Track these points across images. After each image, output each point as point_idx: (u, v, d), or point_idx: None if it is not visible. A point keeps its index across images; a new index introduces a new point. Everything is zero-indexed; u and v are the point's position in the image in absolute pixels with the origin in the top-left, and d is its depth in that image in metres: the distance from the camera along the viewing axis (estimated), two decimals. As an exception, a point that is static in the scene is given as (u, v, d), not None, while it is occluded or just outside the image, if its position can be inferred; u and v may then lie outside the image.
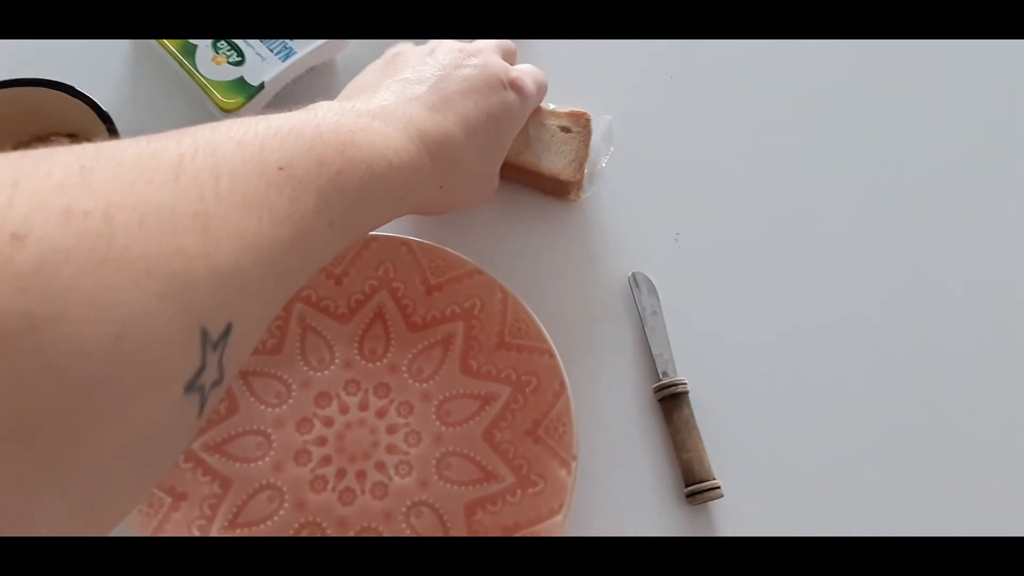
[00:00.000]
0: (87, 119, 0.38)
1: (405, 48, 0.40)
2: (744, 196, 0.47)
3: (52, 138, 0.41)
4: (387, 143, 0.31)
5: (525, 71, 0.41)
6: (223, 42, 0.45)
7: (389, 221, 0.33)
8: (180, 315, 0.20)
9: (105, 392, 0.18)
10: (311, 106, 0.31)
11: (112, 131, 0.36)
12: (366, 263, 0.44)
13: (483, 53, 0.39)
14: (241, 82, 0.44)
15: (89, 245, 0.19)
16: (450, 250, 0.43)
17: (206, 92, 0.44)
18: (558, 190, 0.45)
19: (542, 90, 0.42)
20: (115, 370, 0.19)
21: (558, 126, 0.46)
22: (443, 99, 0.36)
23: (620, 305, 0.45)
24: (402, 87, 0.36)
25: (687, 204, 0.47)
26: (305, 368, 0.42)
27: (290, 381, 0.42)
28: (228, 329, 0.22)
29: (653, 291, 0.45)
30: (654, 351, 0.43)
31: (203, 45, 0.45)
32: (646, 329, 0.44)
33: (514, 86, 0.39)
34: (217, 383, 0.22)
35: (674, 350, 0.43)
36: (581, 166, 0.45)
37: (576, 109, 0.46)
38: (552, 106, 0.46)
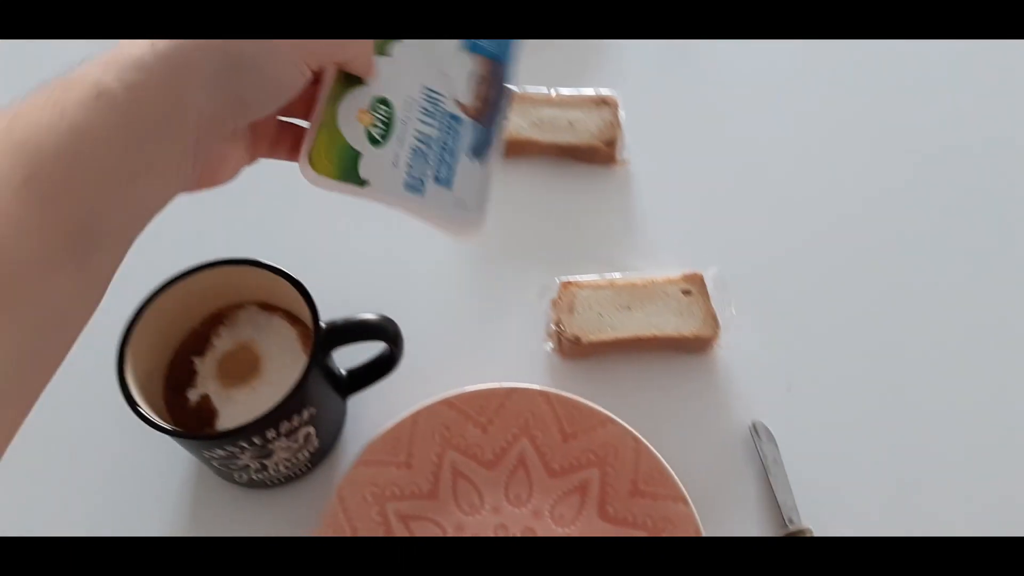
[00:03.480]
0: (282, 291, 0.44)
1: None
2: (847, 346, 0.52)
3: (244, 305, 0.47)
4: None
5: None
6: (385, 106, 0.35)
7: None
8: None
9: None
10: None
11: (311, 305, 0.42)
12: (508, 413, 0.48)
13: None
14: (352, 159, 0.34)
15: None
16: (583, 401, 0.48)
17: (314, 131, 0.34)
18: (699, 347, 0.50)
19: None
20: None
21: (680, 290, 0.51)
22: None
23: (742, 452, 0.48)
24: None
25: (795, 356, 0.51)
26: (458, 512, 0.46)
27: (445, 525, 0.46)
28: None
29: (772, 439, 0.48)
30: (779, 498, 0.46)
31: (361, 92, 0.35)
32: (769, 477, 0.47)
33: None
34: None
35: (796, 496, 0.46)
36: (715, 319, 0.49)
37: (688, 272, 0.52)
38: (664, 275, 0.52)
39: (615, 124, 0.58)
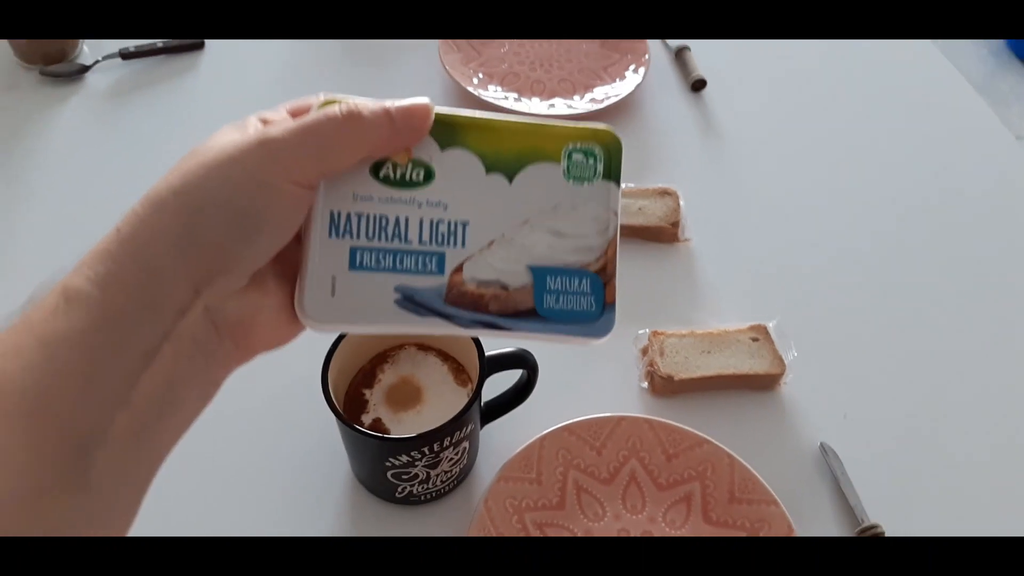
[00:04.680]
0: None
1: None
2: (890, 379, 0.62)
3: (404, 346, 0.56)
4: None
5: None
6: (423, 167, 0.31)
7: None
8: None
9: None
10: None
11: (476, 341, 0.52)
12: (619, 438, 0.57)
13: None
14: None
15: None
16: (682, 426, 0.57)
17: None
18: (769, 383, 0.61)
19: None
20: None
21: (749, 338, 0.62)
22: None
23: (813, 467, 0.58)
24: None
25: (848, 390, 0.62)
26: (584, 519, 0.54)
27: (575, 530, 0.54)
28: None
29: (836, 456, 0.58)
30: (850, 501, 0.55)
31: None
32: (841, 485, 0.56)
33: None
34: None
35: (862, 500, 0.56)
36: (780, 360, 0.60)
37: (754, 324, 0.63)
38: (734, 326, 0.63)
39: (677, 209, 0.71)
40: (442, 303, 0.31)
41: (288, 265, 0.31)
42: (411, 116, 0.30)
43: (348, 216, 0.31)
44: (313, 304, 0.30)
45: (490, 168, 0.32)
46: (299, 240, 0.31)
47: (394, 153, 0.31)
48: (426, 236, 0.31)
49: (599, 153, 0.33)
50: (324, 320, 0.30)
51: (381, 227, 0.31)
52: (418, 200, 0.31)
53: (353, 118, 0.28)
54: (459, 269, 0.31)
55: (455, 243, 0.31)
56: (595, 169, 0.32)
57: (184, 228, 0.26)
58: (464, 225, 0.31)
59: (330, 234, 0.30)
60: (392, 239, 0.31)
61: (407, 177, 0.31)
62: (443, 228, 0.31)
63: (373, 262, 0.31)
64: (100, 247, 0.27)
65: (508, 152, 0.32)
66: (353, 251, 0.31)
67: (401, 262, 0.31)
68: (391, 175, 0.31)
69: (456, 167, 0.31)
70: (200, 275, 0.27)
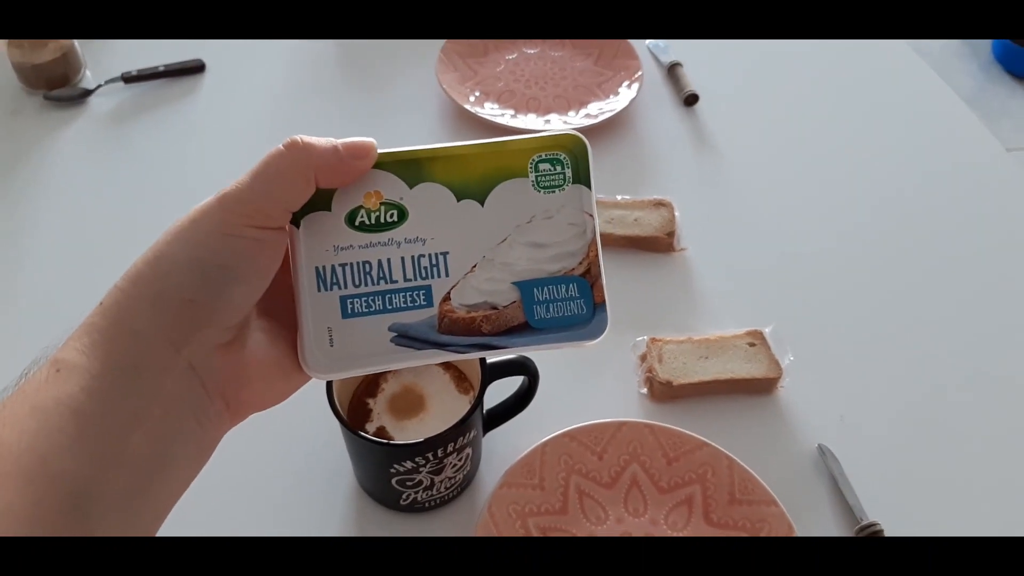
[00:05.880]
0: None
1: None
2: (885, 382, 0.63)
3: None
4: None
5: None
6: (395, 208, 0.32)
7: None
8: None
9: None
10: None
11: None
12: (619, 443, 0.58)
13: None
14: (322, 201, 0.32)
15: None
16: (682, 430, 0.58)
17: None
18: (766, 387, 0.61)
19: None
20: None
21: (746, 343, 0.63)
22: None
23: (812, 468, 0.59)
24: None
25: (844, 393, 0.63)
26: (587, 523, 0.55)
27: (578, 534, 0.54)
28: None
29: (834, 457, 0.59)
30: (849, 501, 0.56)
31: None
32: (840, 486, 0.57)
33: None
34: None
35: (860, 499, 0.56)
36: (777, 364, 0.61)
37: (750, 329, 0.64)
38: (731, 332, 0.64)
39: (672, 220, 0.72)
40: (436, 333, 0.32)
41: (277, 322, 0.32)
42: (355, 147, 0.31)
43: (332, 268, 0.32)
44: (314, 357, 0.32)
45: (460, 195, 0.33)
46: (287, 297, 0.32)
47: (343, 183, 0.32)
48: (410, 272, 0.32)
49: (565, 159, 0.33)
50: (328, 371, 0.32)
51: (365, 272, 0.32)
52: (396, 240, 0.32)
53: (294, 144, 0.30)
54: (447, 298, 0.32)
55: (439, 274, 0.32)
56: (564, 175, 0.33)
57: (156, 292, 0.28)
58: (444, 255, 0.32)
59: (318, 289, 0.32)
60: (378, 281, 0.32)
61: (382, 219, 0.32)
62: (425, 262, 0.32)
63: (364, 307, 0.32)
64: (86, 321, 0.29)
65: (475, 176, 0.33)
66: (343, 300, 0.32)
67: (390, 302, 0.32)
68: (366, 221, 0.32)
69: (427, 201, 0.32)
70: (177, 333, 0.28)
